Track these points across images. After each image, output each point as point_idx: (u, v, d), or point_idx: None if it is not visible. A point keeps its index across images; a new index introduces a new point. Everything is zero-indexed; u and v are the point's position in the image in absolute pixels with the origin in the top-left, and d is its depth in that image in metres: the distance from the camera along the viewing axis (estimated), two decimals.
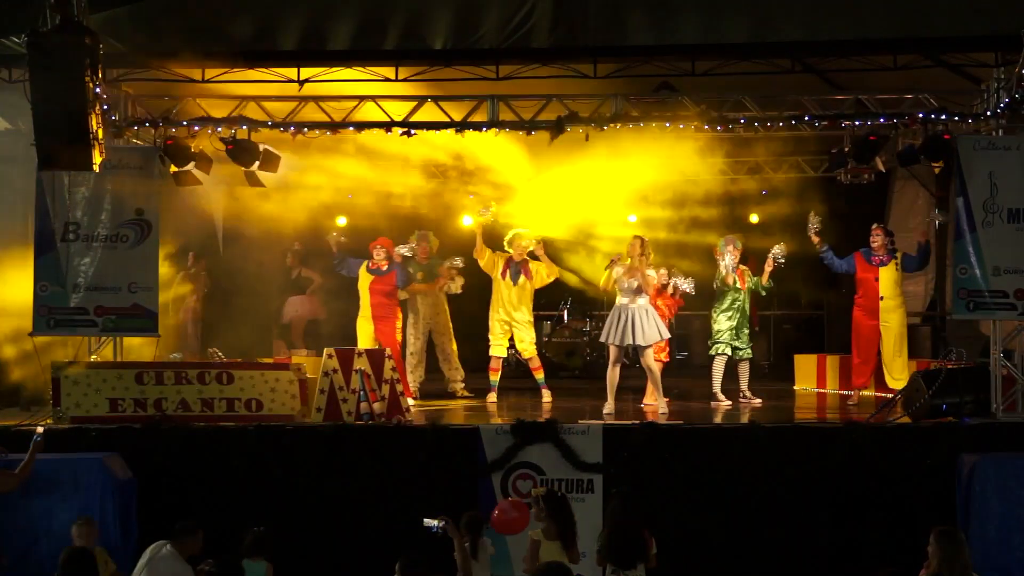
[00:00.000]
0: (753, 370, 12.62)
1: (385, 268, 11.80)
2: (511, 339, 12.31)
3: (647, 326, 10.79)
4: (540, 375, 12.36)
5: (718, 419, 10.85)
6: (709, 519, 9.18)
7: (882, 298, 11.56)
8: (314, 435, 9.61)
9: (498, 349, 12.22)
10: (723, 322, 12.08)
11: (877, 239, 11.68)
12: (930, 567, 6.36)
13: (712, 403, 11.82)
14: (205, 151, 11.06)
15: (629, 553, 6.87)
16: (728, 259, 11.91)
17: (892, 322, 11.62)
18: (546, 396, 12.16)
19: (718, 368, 12.07)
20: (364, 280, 11.84)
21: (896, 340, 11.63)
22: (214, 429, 9.57)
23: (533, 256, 12.18)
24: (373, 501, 9.18)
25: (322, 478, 9.30)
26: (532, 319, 12.36)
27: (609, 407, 10.81)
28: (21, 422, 9.56)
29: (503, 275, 12.07)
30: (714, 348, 12.16)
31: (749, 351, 12.20)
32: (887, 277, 11.57)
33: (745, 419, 10.65)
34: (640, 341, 10.80)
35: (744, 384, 12.20)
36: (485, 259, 12.19)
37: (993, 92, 10.19)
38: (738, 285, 11.99)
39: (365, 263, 11.91)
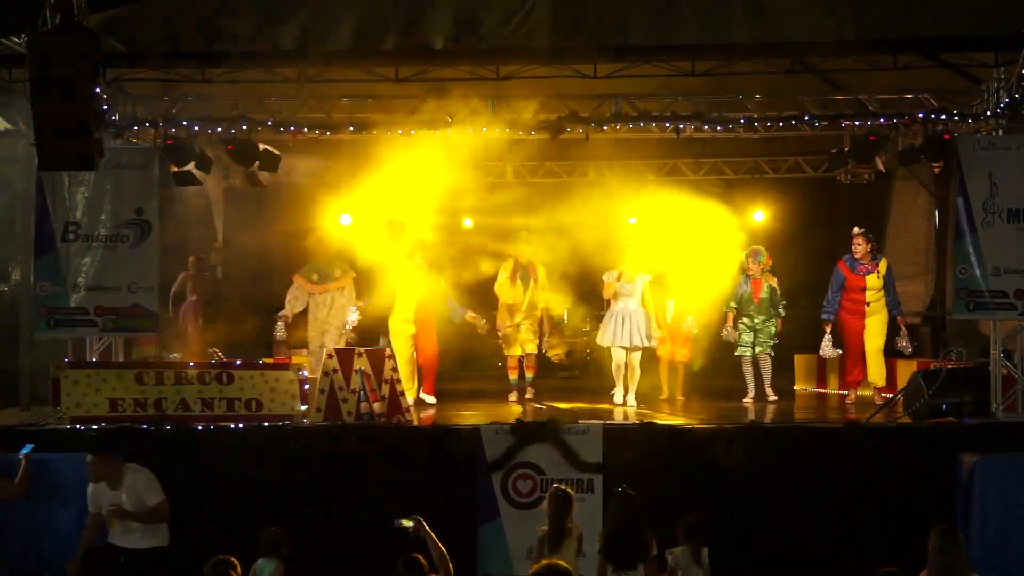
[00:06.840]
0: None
1: None
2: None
3: (645, 328, 11.55)
4: (530, 374, 12.28)
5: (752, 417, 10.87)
6: (709, 519, 9.14)
7: (868, 304, 11.49)
8: (314, 435, 9.61)
9: (514, 348, 12.11)
10: (741, 325, 11.98)
11: (859, 247, 11.49)
12: (929, 567, 6.38)
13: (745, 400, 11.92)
14: (205, 151, 11.06)
15: (629, 553, 6.88)
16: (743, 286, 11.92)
17: (875, 325, 11.54)
18: (528, 394, 12.11)
19: (745, 368, 12.05)
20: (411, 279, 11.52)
21: (875, 341, 11.57)
22: (214, 429, 9.57)
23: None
24: (373, 501, 9.16)
25: (322, 478, 9.29)
26: (539, 314, 12.25)
27: (621, 394, 11.52)
28: (21, 422, 9.55)
29: (512, 280, 11.97)
30: (737, 351, 12.12)
31: (766, 347, 11.98)
32: (873, 283, 11.48)
33: (746, 419, 10.67)
34: (645, 342, 11.56)
35: (766, 382, 12.05)
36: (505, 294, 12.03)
37: (993, 92, 10.19)
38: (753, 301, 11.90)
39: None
